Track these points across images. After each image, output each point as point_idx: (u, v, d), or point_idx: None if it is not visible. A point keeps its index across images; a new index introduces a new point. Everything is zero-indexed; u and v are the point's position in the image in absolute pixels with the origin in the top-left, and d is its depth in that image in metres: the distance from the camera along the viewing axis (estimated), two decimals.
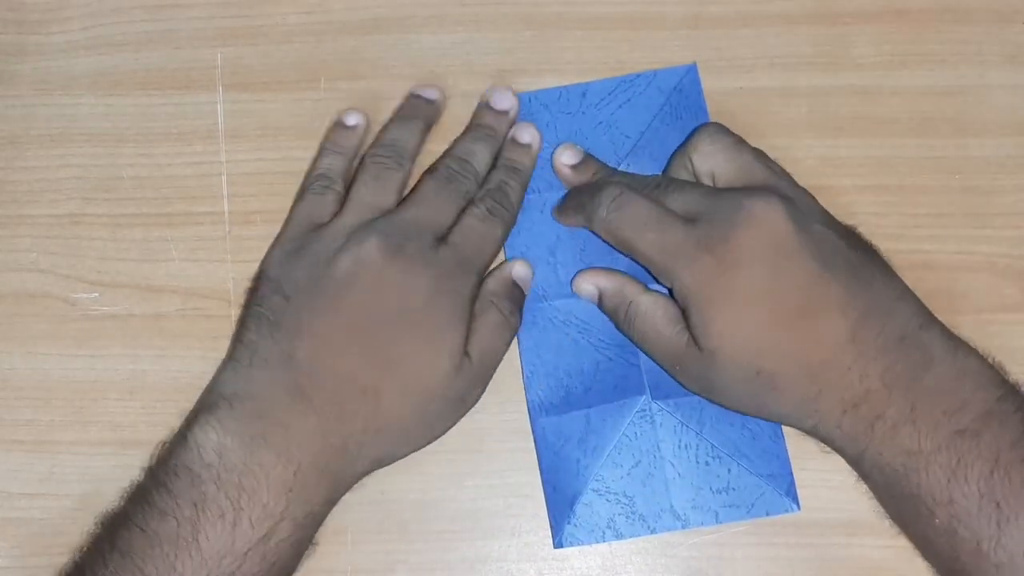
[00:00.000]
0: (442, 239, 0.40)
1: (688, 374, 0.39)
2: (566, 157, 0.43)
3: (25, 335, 0.44)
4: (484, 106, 0.44)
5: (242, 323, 0.40)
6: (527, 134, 0.43)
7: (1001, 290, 0.42)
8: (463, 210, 0.41)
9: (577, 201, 0.42)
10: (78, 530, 0.38)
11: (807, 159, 0.41)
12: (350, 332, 0.38)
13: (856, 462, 0.38)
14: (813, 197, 0.40)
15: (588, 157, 0.43)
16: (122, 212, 0.45)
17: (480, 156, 0.43)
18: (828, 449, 0.38)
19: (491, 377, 0.41)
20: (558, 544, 0.41)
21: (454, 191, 0.41)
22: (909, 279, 0.38)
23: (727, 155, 0.40)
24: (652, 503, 0.41)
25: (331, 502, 0.39)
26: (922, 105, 0.45)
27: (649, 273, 0.40)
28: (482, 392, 0.40)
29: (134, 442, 0.42)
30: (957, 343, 0.37)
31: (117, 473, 0.39)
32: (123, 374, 0.43)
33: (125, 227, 0.45)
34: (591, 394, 0.42)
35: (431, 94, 0.44)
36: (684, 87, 0.44)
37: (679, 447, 0.41)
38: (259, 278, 0.41)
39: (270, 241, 0.44)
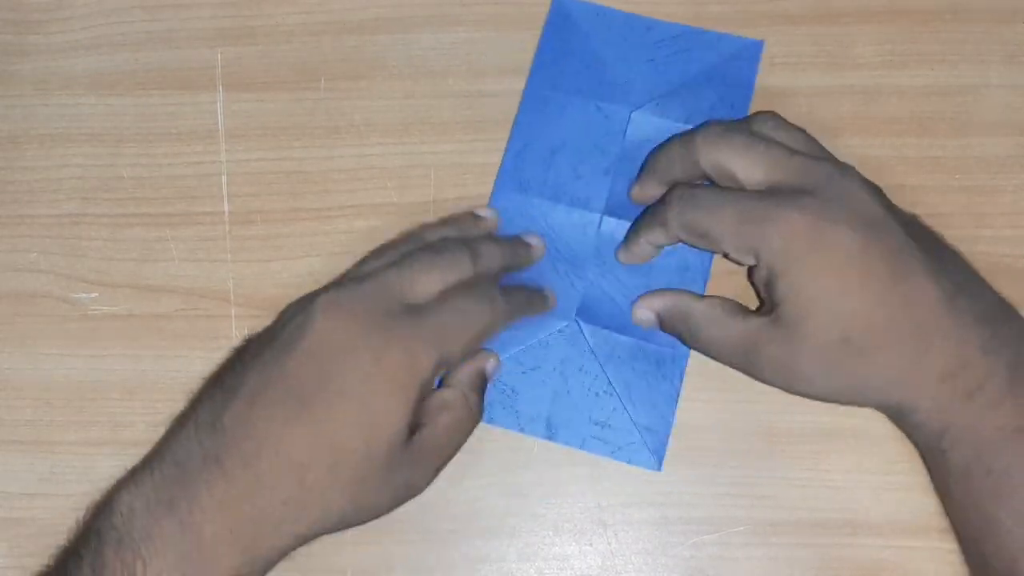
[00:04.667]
0: (415, 307, 0.37)
1: (767, 358, 0.37)
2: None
3: (25, 335, 0.44)
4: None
5: (215, 372, 0.38)
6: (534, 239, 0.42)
7: (1001, 290, 0.42)
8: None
9: (648, 217, 0.41)
10: None
11: None
12: (280, 399, 0.35)
13: (936, 437, 0.36)
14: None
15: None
16: (122, 212, 0.45)
17: (488, 251, 0.40)
18: (830, 448, 0.38)
19: (443, 467, 0.38)
20: None
21: (446, 264, 0.38)
22: None
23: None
24: (532, 406, 0.42)
25: None
26: (922, 105, 0.45)
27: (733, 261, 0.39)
28: (433, 477, 0.38)
29: (134, 442, 0.42)
30: None
31: (117, 473, 0.39)
32: (123, 374, 0.43)
33: (125, 227, 0.45)
34: None
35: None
36: (742, 57, 0.45)
37: (579, 370, 0.42)
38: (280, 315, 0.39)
39: (270, 241, 0.44)
